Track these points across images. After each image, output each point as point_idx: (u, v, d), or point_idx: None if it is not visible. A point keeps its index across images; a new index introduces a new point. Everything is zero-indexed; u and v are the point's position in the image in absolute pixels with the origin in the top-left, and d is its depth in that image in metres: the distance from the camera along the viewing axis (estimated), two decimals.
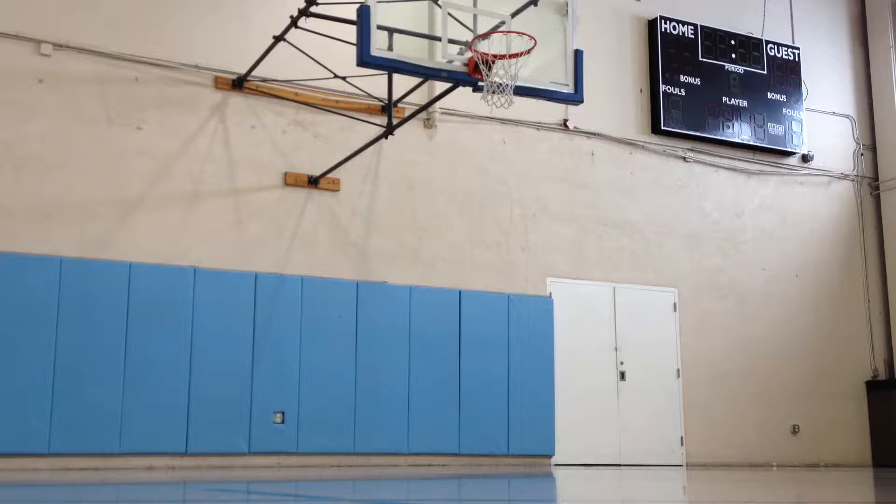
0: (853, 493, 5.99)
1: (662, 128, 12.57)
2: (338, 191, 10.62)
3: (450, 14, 7.86)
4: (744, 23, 13.54)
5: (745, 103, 13.17)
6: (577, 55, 8.14)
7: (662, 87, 12.62)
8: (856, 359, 13.47)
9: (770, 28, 13.68)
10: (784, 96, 13.48)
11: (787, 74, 13.56)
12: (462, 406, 10.55)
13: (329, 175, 10.45)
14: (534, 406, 10.88)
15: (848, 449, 13.13)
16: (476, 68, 7.61)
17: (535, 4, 7.95)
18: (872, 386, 13.39)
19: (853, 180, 14.01)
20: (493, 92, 7.56)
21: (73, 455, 8.91)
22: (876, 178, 14.16)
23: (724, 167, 13.09)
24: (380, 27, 7.54)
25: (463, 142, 11.45)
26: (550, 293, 11.51)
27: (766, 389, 12.74)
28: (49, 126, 9.47)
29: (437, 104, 10.67)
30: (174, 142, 9.97)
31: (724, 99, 13.03)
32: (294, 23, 8.86)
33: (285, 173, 10.41)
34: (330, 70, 9.76)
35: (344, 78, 9.76)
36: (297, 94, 10.50)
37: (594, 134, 12.27)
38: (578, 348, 11.55)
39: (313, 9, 8.60)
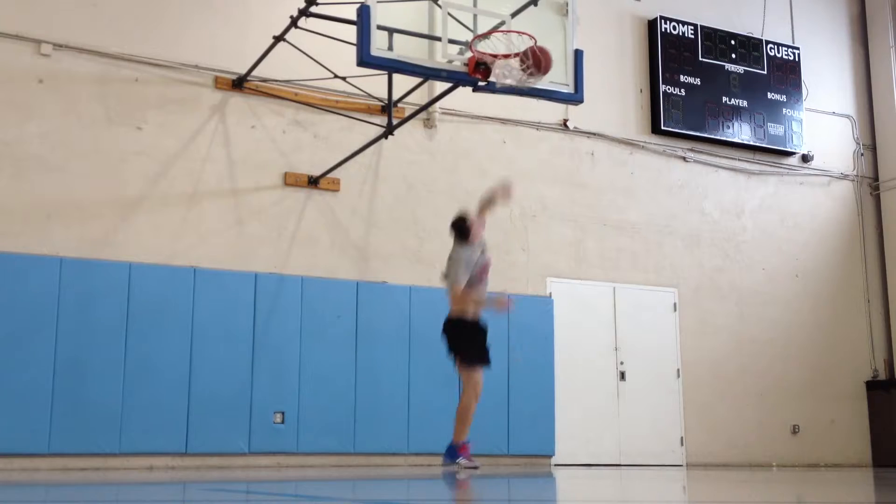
0: (853, 493, 5.99)
1: (662, 128, 12.57)
2: (338, 191, 10.62)
3: (450, 14, 7.86)
4: (744, 23, 13.54)
5: (745, 103, 13.17)
6: (577, 55, 8.14)
7: (662, 87, 12.62)
8: (856, 359, 13.47)
9: (770, 28, 13.68)
10: (784, 96, 13.48)
11: (787, 74, 13.56)
12: None
13: (329, 175, 10.45)
14: (534, 406, 10.87)
15: (848, 449, 13.13)
16: (476, 68, 7.61)
17: (535, 4, 7.95)
18: (872, 386, 13.39)
19: (853, 180, 14.01)
20: (504, 92, 7.56)
21: (73, 455, 8.90)
22: (876, 178, 14.16)
23: (724, 167, 13.09)
24: (380, 27, 7.54)
25: (463, 142, 11.45)
26: (550, 293, 11.51)
27: (766, 389, 12.74)
28: (49, 126, 9.47)
29: (437, 104, 10.66)
30: (174, 142, 9.97)
31: (724, 99, 13.03)
32: (294, 23, 8.86)
33: (285, 173, 10.41)
34: (330, 70, 9.76)
35: (344, 78, 9.76)
36: (296, 94, 10.49)
37: (594, 134, 12.26)
38: (578, 348, 11.55)
39: (313, 9, 8.60)
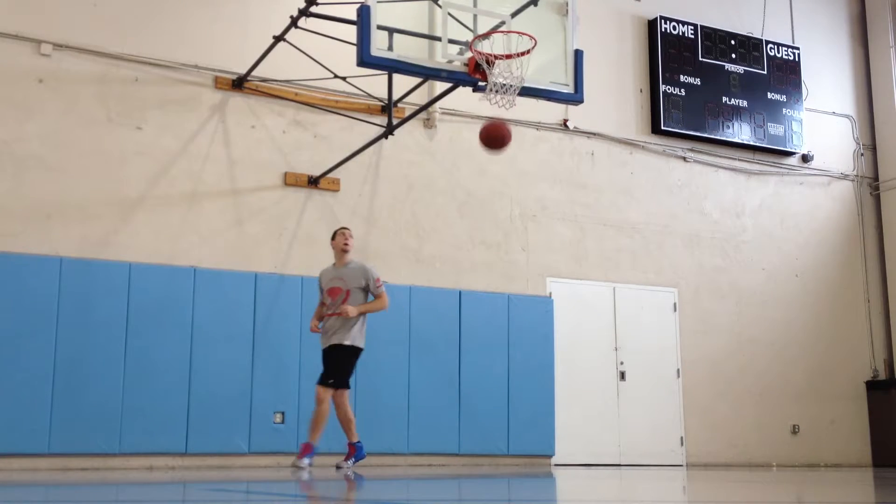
0: (853, 493, 5.99)
1: (662, 128, 12.57)
2: (338, 191, 10.62)
3: (450, 14, 7.86)
4: (744, 23, 13.54)
5: (745, 103, 13.17)
6: (577, 55, 8.14)
7: (662, 87, 12.62)
8: (856, 359, 13.47)
9: (770, 28, 13.69)
10: (784, 96, 13.48)
11: (787, 74, 13.56)
12: (462, 406, 10.55)
13: (329, 175, 10.45)
14: (534, 406, 10.88)
15: (848, 449, 13.13)
16: (476, 68, 7.61)
17: (535, 4, 7.96)
18: (872, 386, 13.39)
19: (853, 180, 14.01)
20: (497, 92, 7.57)
21: (73, 455, 8.91)
22: (876, 178, 14.16)
23: (724, 167, 13.09)
24: (380, 27, 7.55)
25: (463, 142, 11.45)
26: (550, 293, 11.51)
27: (766, 389, 12.74)
28: (49, 126, 9.47)
29: (437, 104, 10.66)
30: (174, 142, 9.97)
31: (724, 99, 13.03)
32: (294, 23, 8.87)
33: (285, 173, 10.41)
34: (330, 70, 9.76)
35: (344, 78, 9.76)
36: (297, 94, 10.50)
37: (594, 134, 12.27)
38: (578, 348, 11.55)
39: (313, 9, 8.60)
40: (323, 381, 8.10)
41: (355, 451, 8.28)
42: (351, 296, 8.22)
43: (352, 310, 8.09)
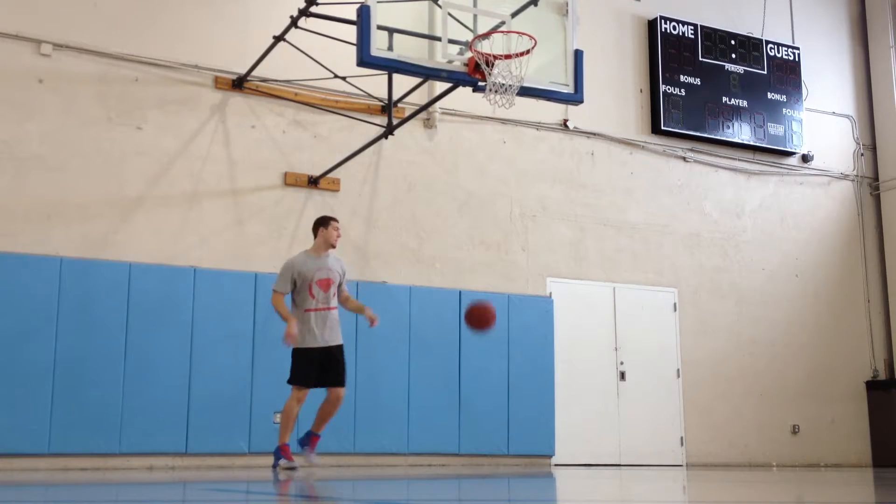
0: (853, 493, 5.99)
1: (662, 128, 12.57)
2: (338, 191, 10.62)
3: (450, 14, 7.86)
4: (744, 23, 13.54)
5: (745, 103, 13.17)
6: (577, 55, 8.15)
7: (662, 87, 12.62)
8: (856, 359, 13.47)
9: (770, 28, 13.68)
10: (784, 96, 13.48)
11: (787, 74, 13.56)
12: (462, 406, 10.54)
13: (329, 175, 10.45)
14: (534, 406, 10.88)
15: (848, 449, 13.13)
16: (476, 68, 7.62)
17: (535, 4, 7.97)
18: (872, 386, 13.39)
19: (853, 180, 14.01)
20: (496, 92, 7.57)
21: (73, 455, 8.90)
22: (876, 178, 14.16)
23: (724, 167, 13.09)
24: (380, 27, 7.55)
25: (463, 142, 11.45)
26: (550, 293, 11.51)
27: (766, 389, 12.74)
28: (49, 126, 9.47)
29: (437, 104, 10.66)
30: (174, 142, 9.97)
31: (724, 99, 13.03)
32: (294, 23, 8.87)
33: (285, 173, 10.41)
34: (330, 70, 9.76)
35: (344, 78, 9.76)
36: (297, 94, 10.49)
37: (594, 134, 12.26)
38: (578, 348, 11.55)
39: (313, 9, 8.61)
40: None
41: (318, 440, 7.97)
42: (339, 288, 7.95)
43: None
